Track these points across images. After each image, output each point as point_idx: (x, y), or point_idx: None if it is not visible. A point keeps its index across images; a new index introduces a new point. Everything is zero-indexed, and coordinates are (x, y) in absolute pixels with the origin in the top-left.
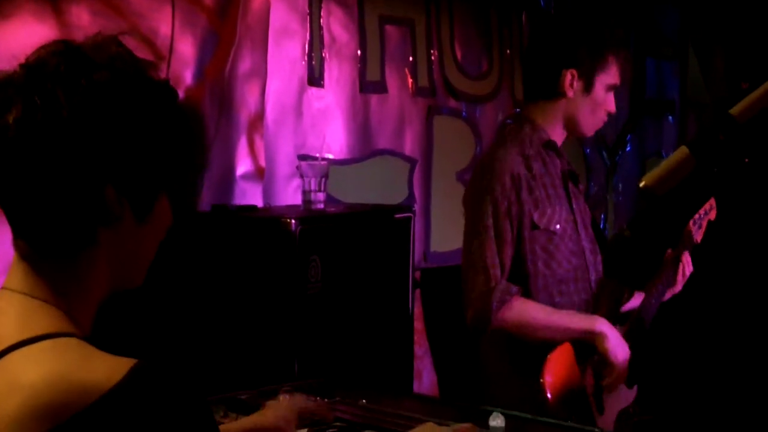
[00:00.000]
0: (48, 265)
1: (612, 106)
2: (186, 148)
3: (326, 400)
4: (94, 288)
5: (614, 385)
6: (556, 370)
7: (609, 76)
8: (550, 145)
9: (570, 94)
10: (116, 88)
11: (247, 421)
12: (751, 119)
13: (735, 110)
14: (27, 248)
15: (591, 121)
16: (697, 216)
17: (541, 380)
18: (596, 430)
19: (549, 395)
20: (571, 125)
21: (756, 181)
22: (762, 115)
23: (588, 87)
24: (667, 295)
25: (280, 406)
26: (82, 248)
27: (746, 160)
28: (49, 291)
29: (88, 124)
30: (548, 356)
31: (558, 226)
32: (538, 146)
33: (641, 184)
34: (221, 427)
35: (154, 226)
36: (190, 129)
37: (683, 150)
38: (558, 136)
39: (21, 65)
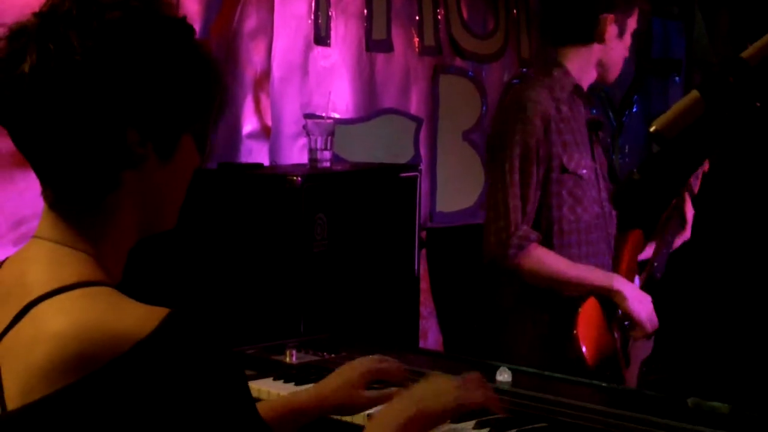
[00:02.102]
0: (76, 212)
1: (628, 51)
2: (206, 84)
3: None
4: (124, 232)
5: (643, 338)
6: (587, 323)
7: (634, 21)
8: (577, 90)
9: (607, 39)
10: (130, 26)
11: (310, 390)
12: (763, 62)
13: (746, 53)
14: (54, 196)
15: (619, 67)
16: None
17: (575, 332)
18: (603, 383)
19: (584, 349)
20: (602, 70)
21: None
22: None
23: (622, 32)
24: (677, 243)
25: (344, 371)
26: (108, 192)
27: (757, 104)
28: (79, 238)
29: (104, 65)
30: (579, 309)
31: (585, 171)
32: (567, 91)
33: (651, 128)
34: (280, 398)
35: (179, 167)
36: (209, 64)
37: (693, 93)
38: (586, 81)
39: (33, 14)
